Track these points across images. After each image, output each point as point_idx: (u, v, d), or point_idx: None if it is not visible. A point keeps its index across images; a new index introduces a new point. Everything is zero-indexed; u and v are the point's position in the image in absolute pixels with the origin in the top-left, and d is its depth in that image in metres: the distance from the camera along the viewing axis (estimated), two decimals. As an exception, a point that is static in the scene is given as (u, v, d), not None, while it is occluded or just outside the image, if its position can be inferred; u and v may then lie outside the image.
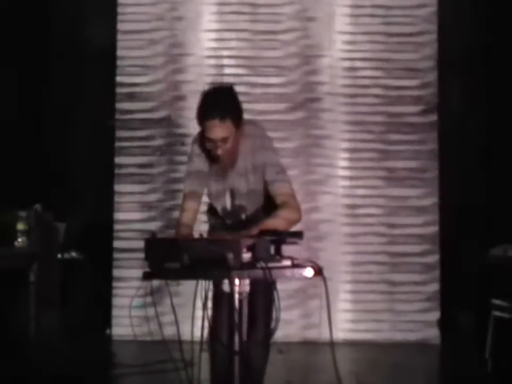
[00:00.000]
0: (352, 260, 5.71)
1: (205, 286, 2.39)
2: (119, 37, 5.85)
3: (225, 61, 5.84)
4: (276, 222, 2.61)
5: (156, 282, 2.40)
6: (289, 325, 5.48)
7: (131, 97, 5.84)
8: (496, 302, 4.48)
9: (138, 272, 2.43)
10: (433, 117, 5.78)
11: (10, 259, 4.39)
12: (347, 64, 5.83)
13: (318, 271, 2.28)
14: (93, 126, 5.90)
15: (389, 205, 5.76)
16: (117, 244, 5.76)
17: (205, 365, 2.58)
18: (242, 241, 2.26)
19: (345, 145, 5.80)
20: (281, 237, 2.33)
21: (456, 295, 5.60)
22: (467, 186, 5.75)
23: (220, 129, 2.66)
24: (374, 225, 5.73)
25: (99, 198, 5.84)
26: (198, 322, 2.37)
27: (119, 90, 5.83)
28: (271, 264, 2.24)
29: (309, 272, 2.27)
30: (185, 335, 2.32)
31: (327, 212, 5.74)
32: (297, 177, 5.63)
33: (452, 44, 5.81)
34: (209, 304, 2.64)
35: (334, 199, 5.76)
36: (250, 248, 2.25)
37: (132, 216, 5.77)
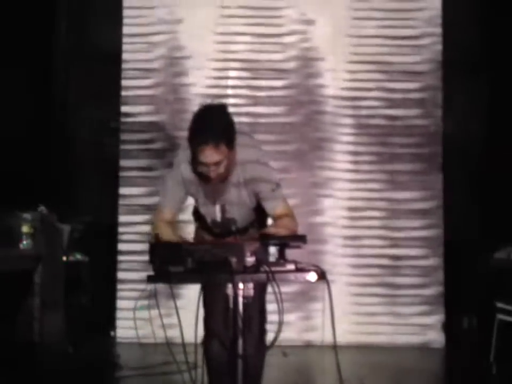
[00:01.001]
0: (353, 262, 5.71)
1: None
2: (125, 40, 5.87)
3: (228, 64, 5.85)
4: (277, 229, 2.59)
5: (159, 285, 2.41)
6: (290, 327, 5.47)
7: (135, 99, 5.86)
8: (501, 305, 4.47)
9: (143, 275, 2.44)
10: (436, 120, 5.78)
11: (15, 261, 4.40)
12: (348, 67, 5.84)
13: (321, 275, 2.29)
14: (98, 128, 5.92)
15: (391, 207, 5.76)
16: (121, 246, 5.78)
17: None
18: (246, 245, 2.26)
19: (346, 148, 5.81)
20: (284, 241, 2.33)
21: (460, 298, 5.59)
22: (470, 188, 5.74)
23: (213, 154, 2.57)
24: (375, 228, 5.73)
25: (103, 200, 5.85)
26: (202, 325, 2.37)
27: (123, 93, 5.84)
28: (274, 268, 2.25)
29: (312, 276, 2.28)
30: (189, 338, 2.32)
31: (328, 214, 5.74)
32: (298, 180, 5.65)
33: (455, 47, 5.80)
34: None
35: (335, 201, 5.76)
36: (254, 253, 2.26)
37: (136, 218, 5.78)
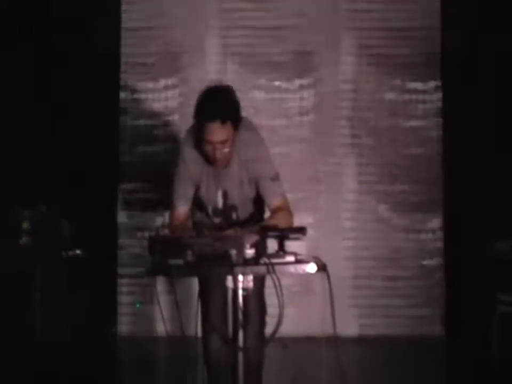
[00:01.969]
0: (353, 255, 5.72)
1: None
2: (123, 34, 5.85)
3: (228, 58, 5.84)
4: (276, 222, 2.60)
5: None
6: (291, 320, 5.46)
7: (135, 94, 5.86)
8: (502, 296, 4.48)
9: (143, 269, 2.44)
10: (437, 119, 5.80)
11: (15, 258, 4.41)
12: (348, 60, 5.82)
13: (321, 267, 2.29)
14: (98, 125, 5.92)
15: (392, 200, 5.76)
16: (122, 241, 5.78)
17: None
18: (246, 237, 2.27)
19: (346, 141, 5.80)
20: (284, 233, 2.34)
21: (460, 290, 5.59)
22: (472, 182, 5.74)
23: (220, 132, 2.61)
24: (375, 221, 5.73)
25: (104, 195, 5.84)
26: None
27: (123, 89, 5.84)
28: (274, 260, 2.25)
29: (311, 267, 2.28)
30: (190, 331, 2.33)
31: (328, 207, 5.75)
32: (298, 173, 5.64)
33: (456, 44, 5.78)
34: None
35: (335, 195, 5.76)
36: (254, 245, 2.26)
37: (137, 213, 5.78)
